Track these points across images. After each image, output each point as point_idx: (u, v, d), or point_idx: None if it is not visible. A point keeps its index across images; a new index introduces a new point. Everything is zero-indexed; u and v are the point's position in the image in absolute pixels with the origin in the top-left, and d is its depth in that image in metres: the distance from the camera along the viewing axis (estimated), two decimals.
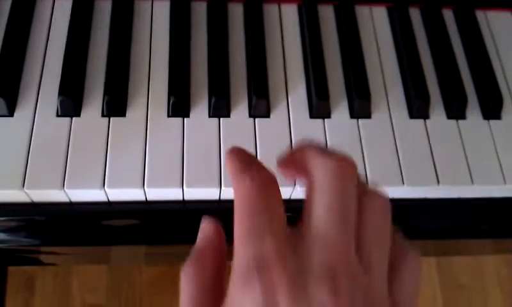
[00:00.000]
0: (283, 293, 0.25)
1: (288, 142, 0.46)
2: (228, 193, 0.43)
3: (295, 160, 0.32)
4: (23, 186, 0.42)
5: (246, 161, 0.31)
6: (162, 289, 1.25)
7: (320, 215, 0.27)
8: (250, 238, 0.27)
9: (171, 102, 0.46)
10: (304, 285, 0.25)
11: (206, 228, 0.32)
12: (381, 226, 0.29)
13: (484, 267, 1.39)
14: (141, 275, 1.25)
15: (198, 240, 0.31)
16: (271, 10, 0.54)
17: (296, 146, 0.32)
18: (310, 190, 0.29)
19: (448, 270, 1.37)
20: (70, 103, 0.45)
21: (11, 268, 0.68)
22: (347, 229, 0.27)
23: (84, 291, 1.22)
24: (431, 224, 0.51)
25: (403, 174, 0.46)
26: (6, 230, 0.45)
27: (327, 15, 0.54)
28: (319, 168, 0.29)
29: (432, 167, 0.47)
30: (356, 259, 0.27)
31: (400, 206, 0.48)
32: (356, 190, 0.28)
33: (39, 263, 0.54)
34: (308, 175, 0.30)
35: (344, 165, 0.28)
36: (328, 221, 0.27)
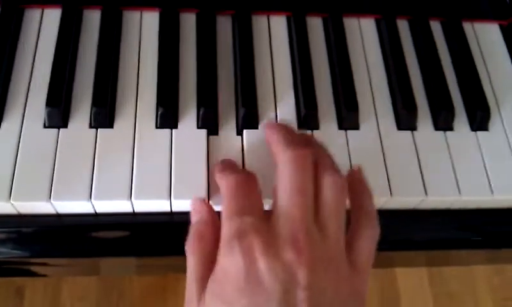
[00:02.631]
0: (259, 255, 0.33)
1: None
2: (215, 205, 0.43)
3: (265, 137, 0.42)
4: (9, 198, 0.42)
5: (229, 164, 0.41)
6: (153, 298, 1.24)
7: (282, 196, 0.35)
8: (233, 217, 0.35)
9: (159, 113, 0.46)
10: (276, 248, 0.33)
11: (199, 207, 0.41)
12: (335, 200, 0.36)
13: (475, 275, 1.40)
14: (132, 285, 1.24)
15: (194, 218, 0.40)
16: (259, 21, 0.54)
17: (265, 126, 0.43)
18: (276, 175, 0.37)
19: (440, 278, 1.37)
20: (58, 114, 0.45)
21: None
22: (304, 204, 0.35)
23: (74, 300, 1.21)
24: (421, 235, 0.51)
25: (391, 185, 0.46)
26: None
27: (316, 26, 0.55)
28: (280, 157, 0.37)
29: (420, 178, 0.47)
30: (314, 226, 0.34)
31: (390, 217, 0.48)
32: (311, 172, 0.36)
33: (28, 274, 0.54)
34: (274, 159, 0.39)
35: (299, 154, 0.36)
36: (288, 200, 0.35)
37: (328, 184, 0.36)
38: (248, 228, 0.34)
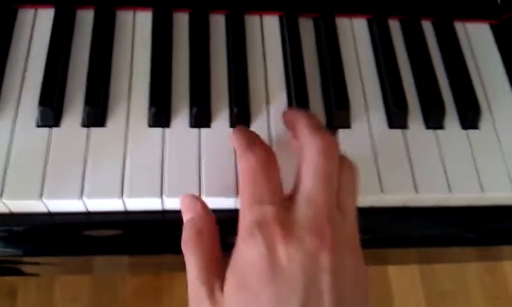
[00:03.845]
0: (280, 243, 0.33)
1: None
2: (209, 202, 0.43)
3: (290, 123, 0.42)
4: (1, 196, 0.42)
5: (249, 139, 0.40)
6: (145, 298, 1.24)
7: (308, 182, 0.35)
8: (253, 204, 0.35)
9: (151, 112, 0.46)
10: (298, 235, 0.33)
11: (192, 203, 0.40)
12: (353, 182, 0.38)
13: (467, 275, 1.40)
14: (124, 285, 1.24)
15: (188, 215, 0.40)
16: (252, 21, 0.54)
17: (290, 113, 0.43)
18: (301, 161, 0.37)
19: (432, 277, 1.38)
20: (50, 113, 0.45)
21: None
22: (329, 191, 0.35)
23: (66, 301, 1.21)
24: (414, 232, 0.51)
25: (382, 183, 0.47)
26: None
27: (308, 26, 0.55)
28: (308, 144, 0.37)
29: (411, 176, 0.47)
30: (336, 211, 0.35)
31: (382, 214, 0.48)
32: (337, 160, 0.37)
33: (20, 273, 0.54)
34: (299, 145, 0.38)
35: (327, 143, 0.36)
36: (313, 186, 0.35)
37: (349, 170, 0.37)
38: (269, 217, 0.34)
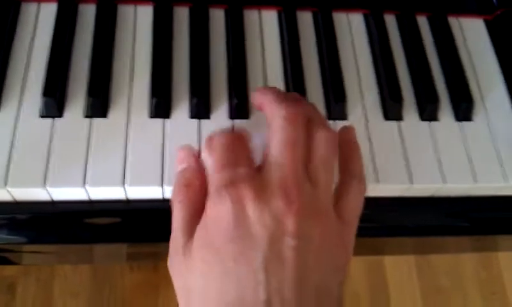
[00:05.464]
0: (248, 203, 0.33)
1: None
2: None
3: (257, 101, 0.42)
4: (6, 184, 0.43)
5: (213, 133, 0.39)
6: (144, 294, 1.25)
7: (274, 148, 0.36)
8: (224, 167, 0.35)
9: (153, 102, 0.47)
10: (266, 197, 0.33)
11: (186, 155, 0.40)
12: (326, 153, 0.37)
13: (463, 270, 1.42)
14: (124, 280, 1.25)
15: (180, 167, 0.40)
16: (251, 15, 0.55)
17: (256, 91, 0.43)
18: (269, 131, 0.37)
19: (428, 272, 1.39)
20: (54, 104, 0.46)
21: None
22: (296, 155, 0.35)
23: (66, 295, 1.21)
24: (411, 221, 0.53)
25: (378, 173, 0.48)
26: None
27: (306, 21, 0.56)
28: (273, 115, 0.38)
29: (406, 166, 0.49)
30: (304, 176, 0.35)
31: (379, 204, 0.49)
32: (304, 126, 0.37)
33: (21, 262, 0.55)
34: (267, 117, 0.39)
35: (292, 110, 0.37)
36: (279, 151, 0.35)
37: (320, 138, 0.37)
38: (239, 177, 0.34)
